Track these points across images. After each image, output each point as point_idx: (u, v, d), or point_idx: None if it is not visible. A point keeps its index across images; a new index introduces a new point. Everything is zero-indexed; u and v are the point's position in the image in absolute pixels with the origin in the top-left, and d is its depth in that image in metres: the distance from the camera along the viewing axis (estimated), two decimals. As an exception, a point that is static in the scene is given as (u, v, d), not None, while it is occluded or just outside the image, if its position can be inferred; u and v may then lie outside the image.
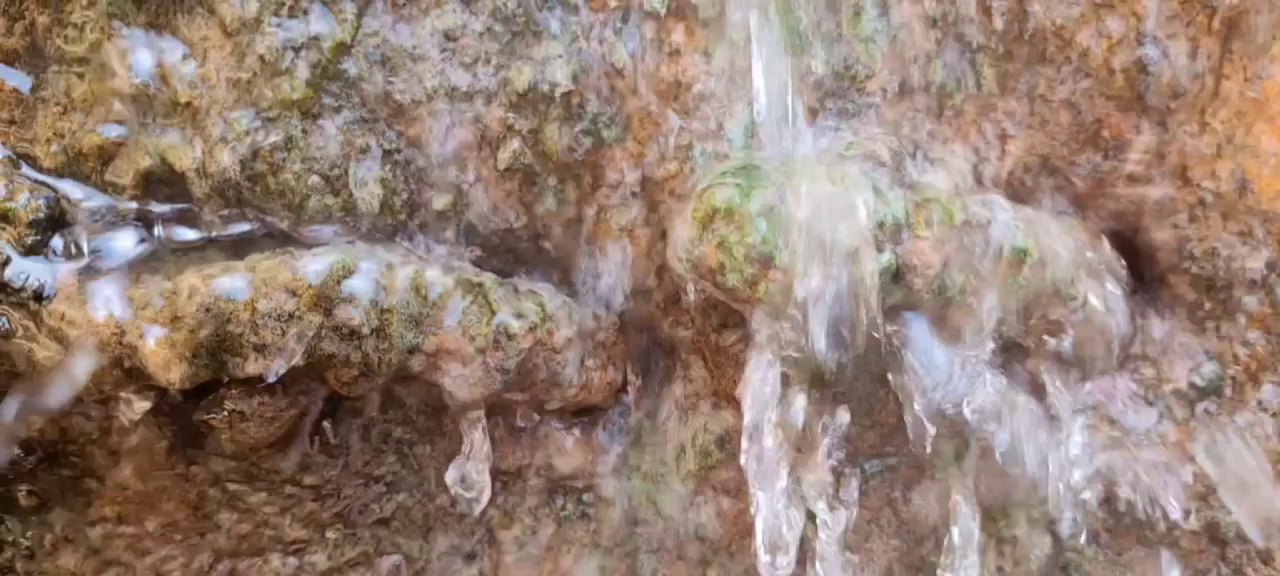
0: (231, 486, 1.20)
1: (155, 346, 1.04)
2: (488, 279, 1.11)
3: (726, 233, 1.03)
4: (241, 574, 1.24)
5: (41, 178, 1.07)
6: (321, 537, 1.23)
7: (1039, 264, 1.08)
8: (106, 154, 1.08)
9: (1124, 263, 1.15)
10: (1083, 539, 1.17)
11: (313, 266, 1.06)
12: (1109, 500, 1.16)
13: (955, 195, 1.08)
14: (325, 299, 1.05)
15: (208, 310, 1.04)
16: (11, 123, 1.08)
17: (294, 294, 1.05)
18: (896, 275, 1.04)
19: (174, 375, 1.05)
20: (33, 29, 1.07)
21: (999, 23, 1.10)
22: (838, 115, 1.11)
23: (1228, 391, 1.15)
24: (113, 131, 1.08)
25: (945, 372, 1.07)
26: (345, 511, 1.22)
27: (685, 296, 1.12)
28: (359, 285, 1.06)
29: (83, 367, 1.05)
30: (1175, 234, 1.14)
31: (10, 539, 1.22)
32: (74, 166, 1.08)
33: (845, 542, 1.12)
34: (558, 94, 1.09)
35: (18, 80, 1.07)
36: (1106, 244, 1.15)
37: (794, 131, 1.09)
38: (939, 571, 1.12)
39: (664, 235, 1.12)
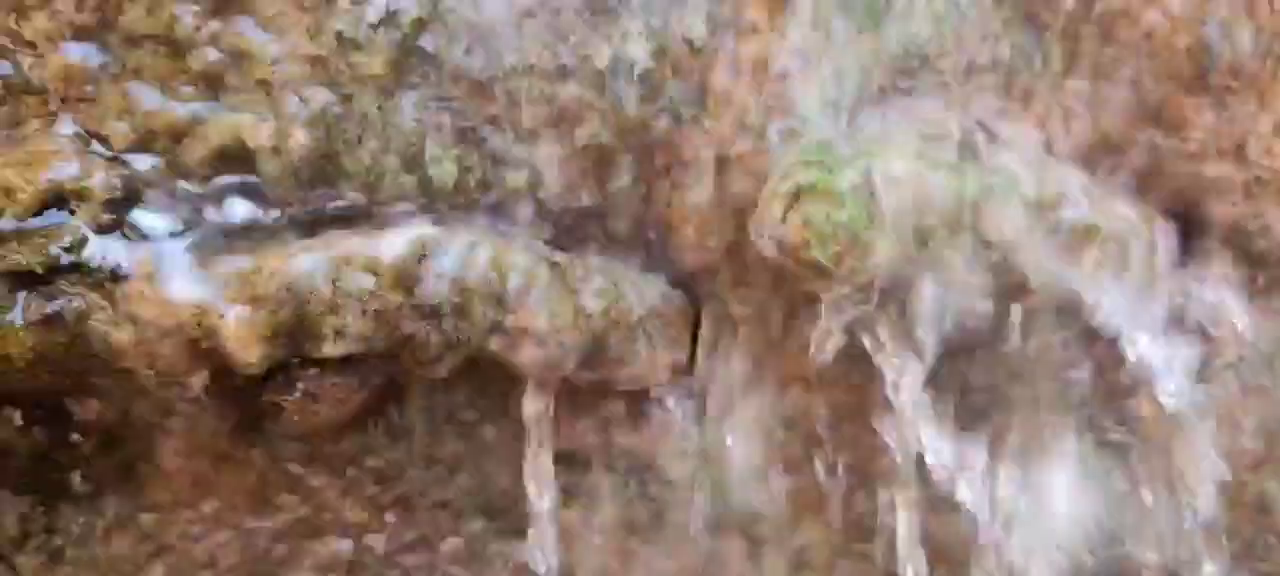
0: (292, 469, 1.19)
1: (235, 326, 1.02)
2: (563, 258, 1.11)
3: (812, 210, 1.03)
4: (298, 557, 1.23)
5: (114, 155, 1.05)
6: (381, 520, 1.22)
7: (1107, 238, 1.10)
8: (178, 132, 1.06)
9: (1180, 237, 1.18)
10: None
11: (393, 245, 1.05)
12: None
13: (1027, 172, 1.10)
14: (407, 277, 1.04)
15: (288, 289, 1.03)
16: (82, 100, 1.06)
17: (374, 273, 1.04)
18: (976, 250, 1.06)
19: (253, 355, 1.03)
20: (104, 4, 1.05)
21: (1068, 3, 1.11)
22: (910, 93, 1.12)
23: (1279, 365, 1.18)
24: (185, 109, 1.06)
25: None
26: (406, 493, 1.21)
27: (757, 276, 1.12)
28: (440, 263, 1.05)
29: (159, 349, 1.03)
30: (1231, 211, 1.16)
31: (62, 525, 1.20)
32: (145, 144, 1.06)
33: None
34: (636, 72, 1.09)
35: (88, 56, 1.05)
36: (1164, 220, 1.17)
37: (868, 109, 1.10)
38: None
39: (736, 214, 1.12)
